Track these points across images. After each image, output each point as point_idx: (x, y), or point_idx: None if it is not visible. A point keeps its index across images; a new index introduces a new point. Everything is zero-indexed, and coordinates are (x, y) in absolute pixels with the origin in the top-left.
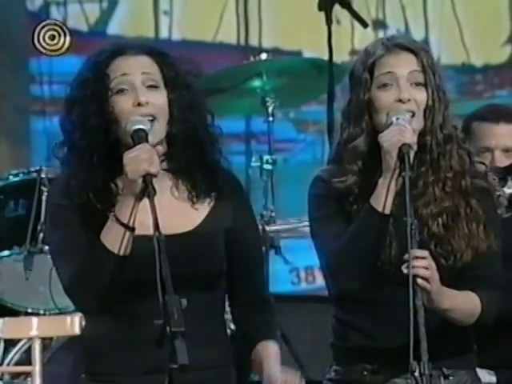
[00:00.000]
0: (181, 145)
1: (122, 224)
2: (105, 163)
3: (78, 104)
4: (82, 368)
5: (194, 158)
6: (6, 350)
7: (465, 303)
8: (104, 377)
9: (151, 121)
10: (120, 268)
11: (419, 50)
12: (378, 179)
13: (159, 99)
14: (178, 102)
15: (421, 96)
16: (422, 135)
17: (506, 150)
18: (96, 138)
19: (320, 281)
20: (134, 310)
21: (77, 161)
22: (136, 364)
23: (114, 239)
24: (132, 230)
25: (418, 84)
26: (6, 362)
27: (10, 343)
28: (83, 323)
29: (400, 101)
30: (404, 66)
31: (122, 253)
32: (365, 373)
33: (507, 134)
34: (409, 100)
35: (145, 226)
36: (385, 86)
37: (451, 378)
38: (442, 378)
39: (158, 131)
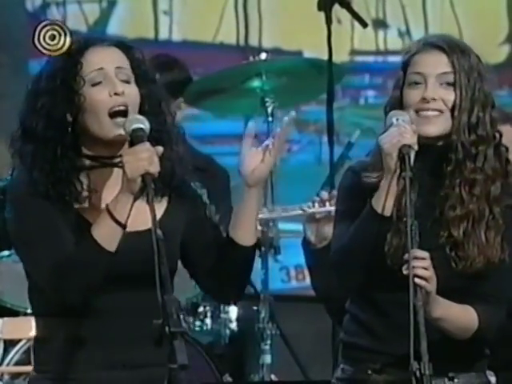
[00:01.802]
0: (149, 140)
1: (116, 221)
2: (68, 155)
3: (45, 93)
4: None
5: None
6: (6, 351)
7: (458, 316)
8: (75, 374)
9: (124, 111)
10: (109, 264)
11: (453, 49)
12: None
13: (132, 92)
14: (148, 96)
15: (449, 95)
16: (448, 135)
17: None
18: (62, 129)
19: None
20: (112, 306)
21: (40, 152)
22: (108, 360)
23: (106, 235)
24: (124, 227)
25: (448, 84)
26: (6, 362)
27: (9, 343)
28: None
29: (424, 99)
30: (433, 66)
31: (112, 249)
32: (369, 372)
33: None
34: (434, 99)
35: (133, 223)
36: (415, 83)
37: (455, 380)
38: (446, 380)
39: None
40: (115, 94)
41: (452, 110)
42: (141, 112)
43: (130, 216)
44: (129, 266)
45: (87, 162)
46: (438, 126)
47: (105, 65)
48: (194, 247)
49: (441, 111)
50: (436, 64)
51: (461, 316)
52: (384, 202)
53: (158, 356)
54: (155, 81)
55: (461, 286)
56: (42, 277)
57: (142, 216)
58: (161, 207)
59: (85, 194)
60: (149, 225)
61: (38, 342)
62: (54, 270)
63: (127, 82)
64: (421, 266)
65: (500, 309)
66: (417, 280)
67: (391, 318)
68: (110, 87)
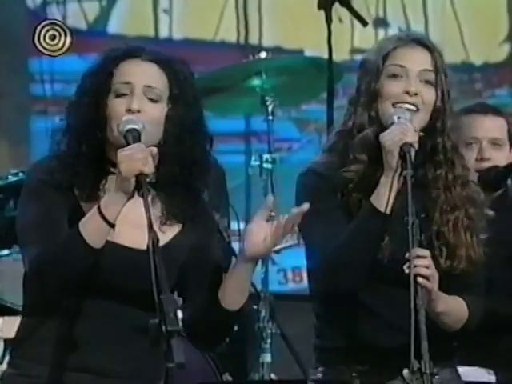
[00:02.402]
0: (170, 161)
1: (105, 219)
2: (92, 154)
3: (77, 93)
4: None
5: (179, 178)
6: (6, 350)
7: (455, 308)
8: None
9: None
10: (95, 271)
11: (435, 49)
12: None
13: (155, 111)
14: (175, 119)
15: (429, 94)
16: (432, 136)
17: (493, 142)
18: (87, 129)
19: (307, 281)
20: (99, 312)
21: (66, 145)
22: (73, 362)
23: (93, 232)
24: (113, 226)
25: (427, 82)
26: (6, 361)
27: (10, 343)
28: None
29: (407, 93)
30: (417, 62)
31: (97, 246)
32: (354, 374)
33: (495, 125)
34: (416, 94)
35: (126, 237)
36: (395, 76)
37: (437, 376)
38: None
39: (143, 140)
40: (129, 110)
41: (432, 111)
42: (164, 132)
43: (134, 232)
44: (123, 280)
45: (108, 167)
46: (414, 122)
47: (133, 79)
48: (191, 277)
49: (417, 108)
50: (419, 60)
51: (456, 308)
52: (386, 200)
53: (131, 368)
54: (192, 105)
55: (443, 282)
56: (30, 263)
57: (146, 235)
58: (171, 233)
59: (97, 193)
60: (125, 239)
61: (20, 341)
62: (38, 258)
63: (155, 101)
64: (423, 264)
65: (482, 299)
66: (420, 279)
67: (377, 318)
68: (129, 102)
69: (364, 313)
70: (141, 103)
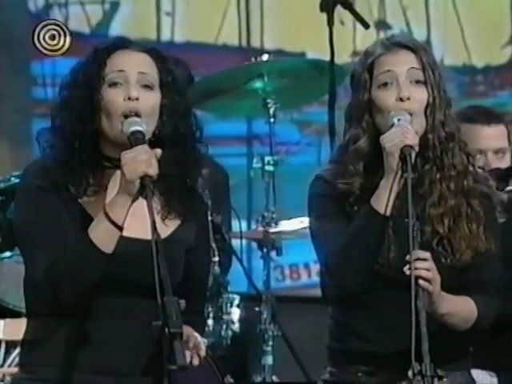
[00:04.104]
0: (166, 150)
1: (113, 223)
2: (86, 149)
3: (69, 88)
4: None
5: (174, 170)
6: (8, 352)
7: (461, 308)
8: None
9: (135, 116)
10: (105, 267)
11: (418, 48)
12: (381, 180)
13: (150, 99)
14: (169, 107)
15: (421, 94)
16: (424, 133)
17: (498, 152)
18: (80, 124)
19: (304, 278)
20: (112, 310)
21: (59, 143)
22: (98, 364)
23: (103, 237)
24: (121, 229)
25: (417, 82)
26: (8, 363)
27: (11, 344)
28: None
29: (400, 99)
30: (403, 63)
31: (108, 251)
32: (359, 374)
33: (498, 134)
34: (408, 98)
35: (132, 229)
36: (385, 85)
37: (445, 379)
38: (436, 380)
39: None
40: (128, 98)
41: (425, 109)
42: (159, 121)
43: (140, 224)
44: (133, 272)
45: (103, 162)
46: (415, 128)
47: (127, 68)
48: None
49: (411, 113)
50: (405, 61)
51: (463, 308)
52: (386, 202)
53: (145, 364)
54: (182, 93)
55: (450, 278)
56: (38, 274)
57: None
58: (173, 226)
59: (94, 188)
60: (130, 230)
61: (30, 344)
62: (50, 270)
63: (149, 87)
64: (423, 267)
65: (494, 296)
66: (421, 282)
67: (382, 320)
68: (125, 91)
69: (371, 314)
70: (138, 91)
